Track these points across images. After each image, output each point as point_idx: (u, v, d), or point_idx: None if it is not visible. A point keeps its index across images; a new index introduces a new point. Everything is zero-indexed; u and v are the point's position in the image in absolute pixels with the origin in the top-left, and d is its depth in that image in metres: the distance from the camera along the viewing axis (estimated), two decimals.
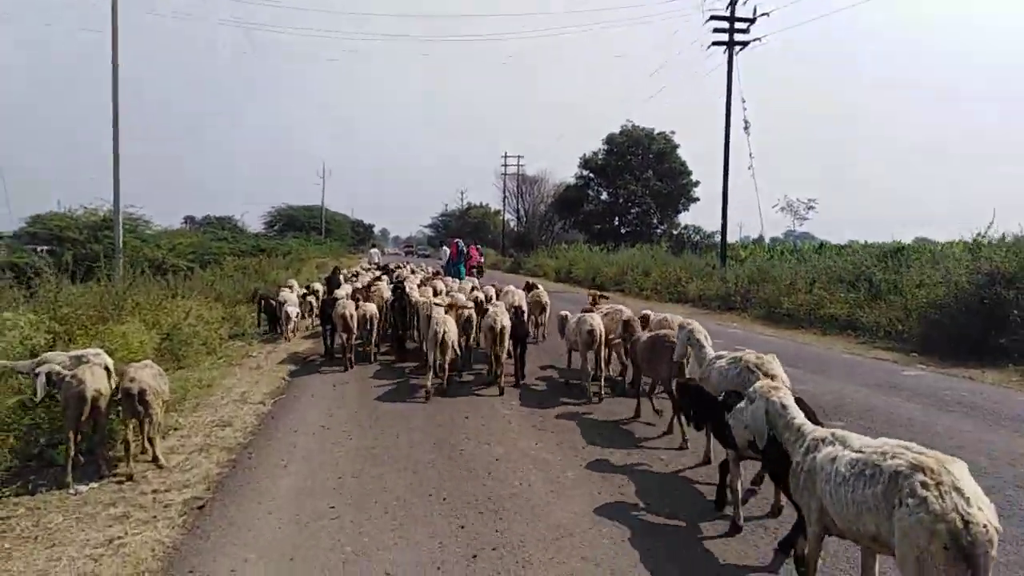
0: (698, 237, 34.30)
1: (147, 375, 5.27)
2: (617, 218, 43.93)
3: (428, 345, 8.17)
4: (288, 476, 5.16)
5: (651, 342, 6.69)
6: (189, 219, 59.28)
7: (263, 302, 13.01)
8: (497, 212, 78.35)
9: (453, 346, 8.20)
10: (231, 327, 11.78)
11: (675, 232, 40.87)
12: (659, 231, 44.21)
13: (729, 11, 22.89)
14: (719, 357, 5.33)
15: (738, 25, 22.83)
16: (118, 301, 8.78)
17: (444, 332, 7.96)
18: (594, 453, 5.73)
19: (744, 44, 22.89)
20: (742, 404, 3.91)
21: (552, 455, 5.70)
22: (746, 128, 22.97)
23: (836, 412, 7.16)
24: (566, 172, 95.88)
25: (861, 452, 2.96)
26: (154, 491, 4.77)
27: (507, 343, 8.46)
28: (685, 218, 44.05)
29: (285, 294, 12.78)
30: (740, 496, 4.28)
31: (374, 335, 10.22)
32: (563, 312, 9.17)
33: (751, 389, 3.90)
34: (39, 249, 25.60)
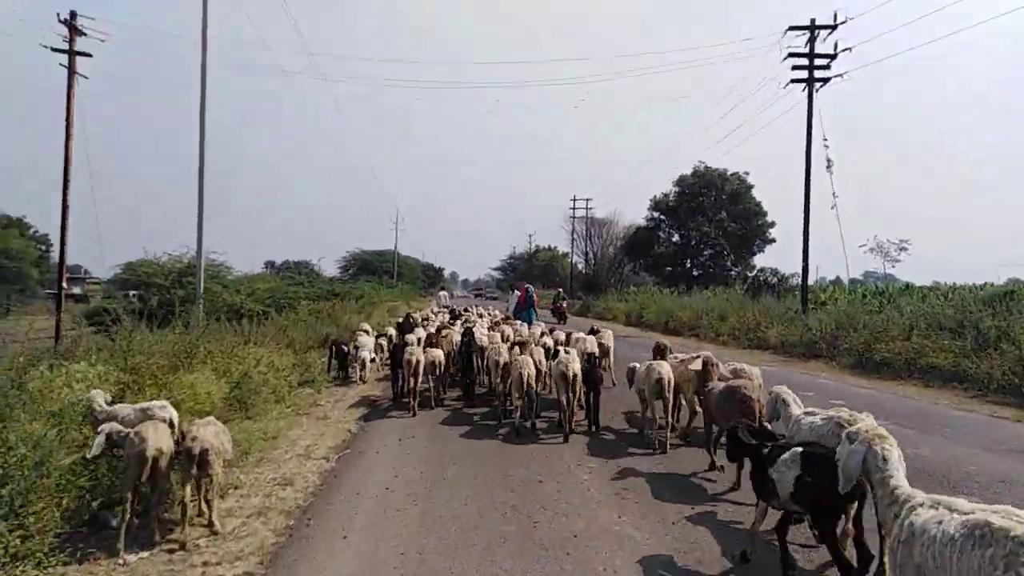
0: (775, 280, 32.61)
1: (209, 434, 5.02)
2: (689, 260, 42.77)
3: (513, 386, 8.36)
4: (347, 549, 4.73)
5: (726, 393, 6.37)
6: (269, 264, 61.96)
7: (334, 347, 13.02)
8: (565, 255, 78.27)
9: (531, 384, 8.29)
10: (301, 373, 11.72)
11: (750, 275, 39.34)
12: (733, 273, 42.78)
13: (808, 48, 22.12)
14: (810, 414, 5.01)
15: (818, 61, 22.04)
16: (190, 349, 8.80)
17: (528, 373, 8.17)
18: (688, 531, 5.05)
19: (824, 81, 22.02)
20: (786, 456, 3.92)
21: (638, 531, 5.07)
22: (828, 167, 21.92)
23: (961, 482, 6.20)
24: (636, 214, 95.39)
25: (973, 513, 2.64)
26: (204, 563, 4.42)
27: (579, 390, 8.32)
28: (761, 260, 42.47)
29: (362, 338, 12.89)
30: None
31: (440, 380, 10.24)
32: (632, 364, 8.82)
33: (854, 429, 3.70)
34: (130, 294, 26.93)
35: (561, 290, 37.78)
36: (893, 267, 24.19)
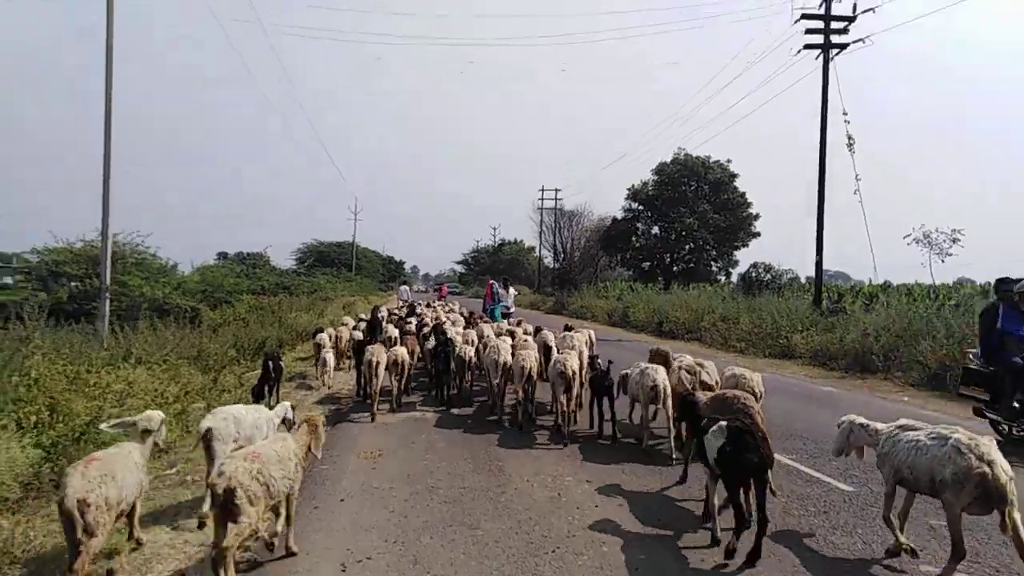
0: (768, 276, 30.11)
1: None
2: (669, 255, 40.07)
3: (515, 378, 8.22)
4: None
5: (718, 402, 5.80)
6: (222, 255, 57.78)
7: (268, 363, 9.43)
8: (532, 249, 75.36)
9: (532, 377, 8.23)
10: (205, 407, 8.15)
11: (733, 270, 36.98)
12: (714, 268, 40.35)
13: (824, 8, 19.48)
14: (905, 428, 4.47)
15: (835, 25, 19.43)
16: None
17: (529, 366, 8.10)
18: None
19: (842, 47, 19.41)
20: (715, 428, 4.52)
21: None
22: (849, 145, 19.27)
23: None
24: (608, 206, 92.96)
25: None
26: None
27: (576, 391, 7.87)
28: (744, 255, 40.14)
29: (321, 336, 11.68)
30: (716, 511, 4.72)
31: (402, 382, 9.45)
32: (624, 371, 7.89)
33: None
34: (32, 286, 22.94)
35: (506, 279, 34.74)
36: (943, 261, 21.47)
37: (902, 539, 4.38)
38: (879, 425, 4.74)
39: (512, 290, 18.91)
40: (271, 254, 49.92)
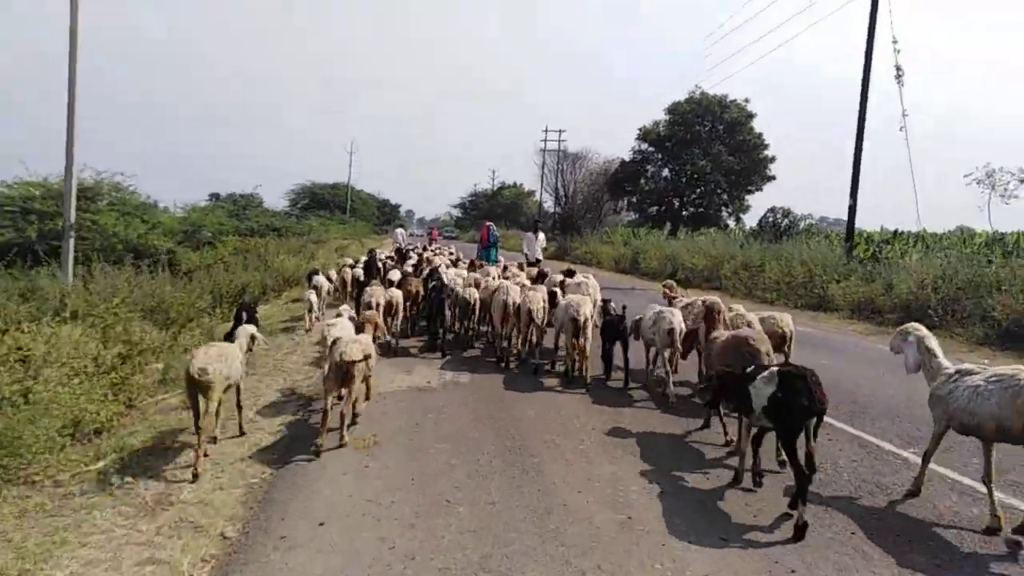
0: (787, 221, 28.39)
1: None
2: (678, 199, 38.17)
3: (524, 321, 8.16)
4: None
5: (732, 344, 5.44)
6: (214, 196, 55.46)
7: (242, 314, 7.95)
8: (531, 193, 73.06)
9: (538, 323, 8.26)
10: (162, 375, 6.72)
11: (763, 215, 34.97)
12: (724, 213, 38.52)
13: None
14: (967, 373, 4.18)
15: None
16: None
17: (536, 309, 8.04)
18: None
19: None
20: (764, 374, 4.20)
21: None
22: (898, 76, 17.30)
23: None
24: (613, 149, 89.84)
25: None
26: None
27: (588, 337, 7.43)
28: (757, 200, 38.28)
29: (318, 279, 11.76)
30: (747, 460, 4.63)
31: (397, 324, 9.17)
32: (637, 315, 7.68)
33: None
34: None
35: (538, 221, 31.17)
36: (1008, 203, 19.35)
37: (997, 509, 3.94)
38: (944, 361, 4.47)
39: (541, 235, 16.84)
40: (263, 194, 47.87)
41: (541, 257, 15.92)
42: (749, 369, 4.50)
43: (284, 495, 4.39)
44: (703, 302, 6.91)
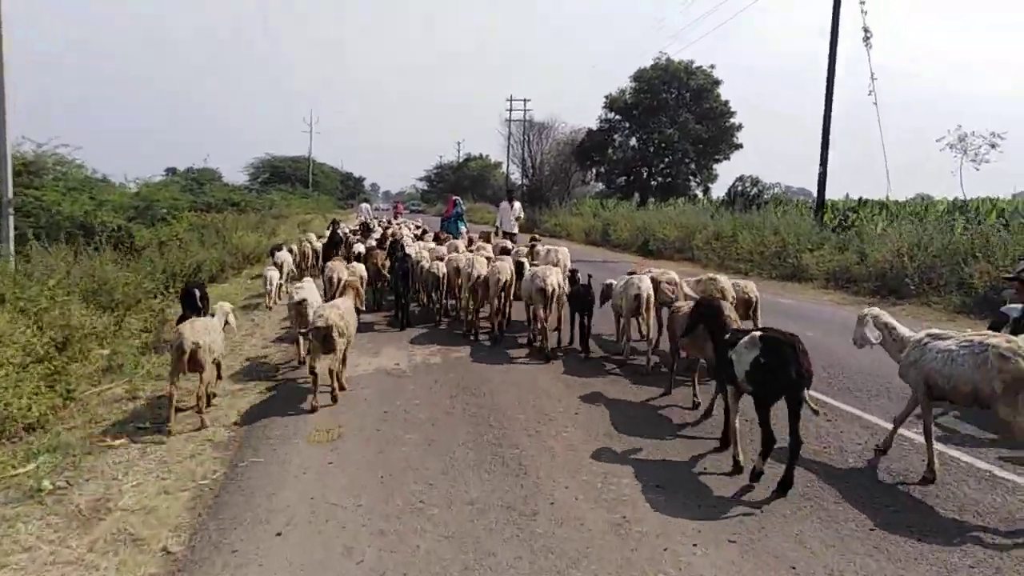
0: (755, 190, 28.36)
1: None
2: (647, 168, 37.88)
3: (492, 292, 8.09)
4: None
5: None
6: (171, 170, 53.40)
7: (187, 297, 7.37)
8: (498, 164, 71.97)
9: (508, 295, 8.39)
10: (106, 368, 6.14)
11: (731, 184, 34.75)
12: (692, 183, 38.40)
13: None
14: (936, 337, 4.21)
15: None
16: None
17: (504, 280, 8.00)
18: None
19: None
20: (746, 339, 4.07)
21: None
22: (866, 38, 17.09)
23: None
24: (580, 118, 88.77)
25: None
26: None
27: (556, 307, 7.78)
28: (724, 169, 38.23)
29: (280, 255, 11.72)
30: (739, 435, 4.33)
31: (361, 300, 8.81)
32: (608, 280, 7.74)
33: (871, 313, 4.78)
34: None
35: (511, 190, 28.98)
36: (978, 169, 19.05)
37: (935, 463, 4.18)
38: (905, 331, 4.54)
39: (517, 204, 15.64)
40: (222, 168, 46.18)
41: (516, 231, 14.93)
42: (727, 336, 4.41)
43: (237, 499, 3.94)
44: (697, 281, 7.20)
